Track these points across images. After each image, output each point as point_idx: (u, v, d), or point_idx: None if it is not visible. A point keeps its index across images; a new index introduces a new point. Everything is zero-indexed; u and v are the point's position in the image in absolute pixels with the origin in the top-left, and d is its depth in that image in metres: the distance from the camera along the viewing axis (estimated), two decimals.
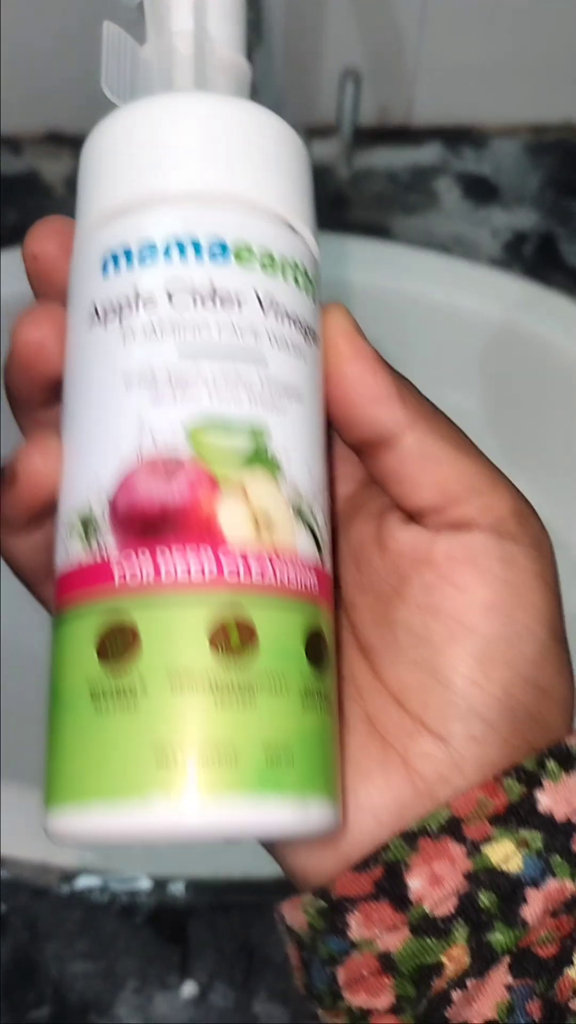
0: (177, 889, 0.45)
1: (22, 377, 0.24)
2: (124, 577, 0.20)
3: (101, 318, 0.22)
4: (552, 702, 0.23)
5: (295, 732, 0.20)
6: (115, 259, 0.22)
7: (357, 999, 0.22)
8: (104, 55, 0.25)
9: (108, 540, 0.21)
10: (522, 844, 0.22)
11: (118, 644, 0.20)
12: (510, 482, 0.24)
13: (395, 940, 0.22)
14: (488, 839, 0.22)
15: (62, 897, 0.45)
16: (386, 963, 0.22)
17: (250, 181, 0.23)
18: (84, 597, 0.21)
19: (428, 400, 0.24)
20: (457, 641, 0.23)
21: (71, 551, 0.21)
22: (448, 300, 0.62)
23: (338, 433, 0.24)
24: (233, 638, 0.20)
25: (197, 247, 0.22)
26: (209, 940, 0.44)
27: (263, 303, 0.22)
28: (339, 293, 0.60)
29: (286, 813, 0.20)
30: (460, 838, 0.22)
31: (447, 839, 0.22)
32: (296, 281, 0.23)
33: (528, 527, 0.23)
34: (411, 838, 0.22)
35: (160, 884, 0.45)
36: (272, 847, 0.24)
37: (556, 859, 0.22)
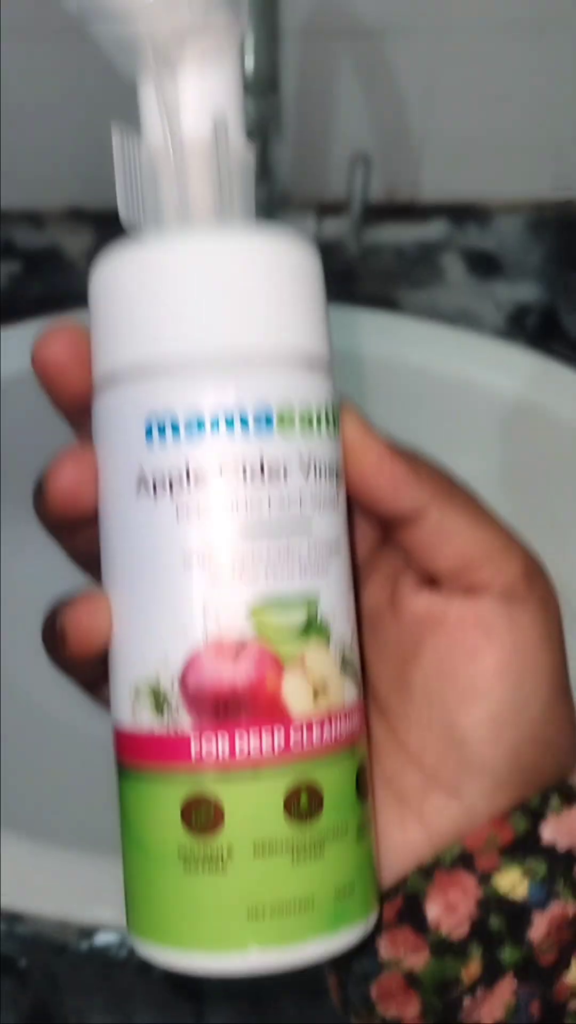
0: None
1: (57, 517, 0.24)
2: (202, 754, 0.22)
3: (150, 489, 0.22)
4: (556, 752, 0.25)
5: (355, 866, 0.23)
6: (161, 428, 0.22)
7: (389, 1011, 0.25)
8: (118, 176, 0.24)
9: (182, 716, 0.22)
10: (528, 873, 0.24)
11: (203, 815, 0.22)
12: (521, 544, 0.26)
13: (418, 960, 0.25)
14: (497, 869, 0.24)
15: (81, 953, 0.46)
16: (411, 980, 0.25)
17: (286, 332, 0.23)
18: (163, 766, 0.23)
19: (443, 472, 0.26)
20: (470, 705, 0.25)
21: (139, 717, 0.23)
22: (454, 371, 0.64)
23: (360, 512, 0.26)
24: (303, 803, 0.22)
25: (244, 420, 0.22)
26: (223, 996, 0.45)
27: (304, 468, 0.23)
28: (348, 364, 0.62)
29: (353, 934, 0.23)
30: (472, 869, 0.25)
31: (460, 870, 0.25)
32: (327, 427, 0.23)
33: (536, 587, 0.25)
34: (427, 871, 0.25)
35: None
36: None
37: (559, 885, 0.24)
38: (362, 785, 0.24)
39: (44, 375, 0.24)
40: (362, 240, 0.66)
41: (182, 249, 0.23)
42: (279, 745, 0.22)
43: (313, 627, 0.23)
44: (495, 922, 0.24)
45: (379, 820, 0.26)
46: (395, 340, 0.64)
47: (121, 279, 0.23)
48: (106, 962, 0.46)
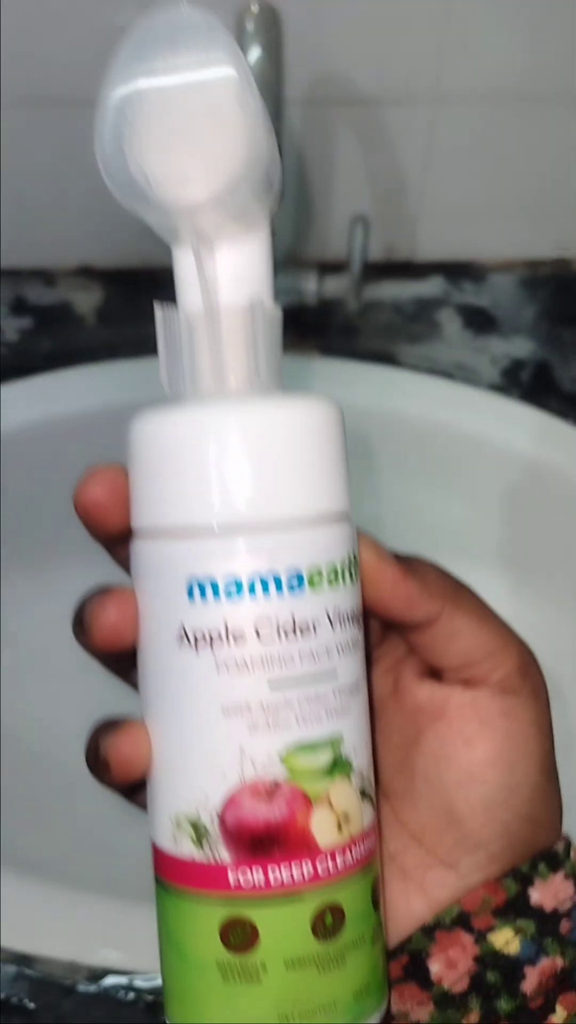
0: None
1: (100, 651, 0.26)
2: (239, 883, 0.24)
3: (191, 643, 0.24)
4: (543, 826, 0.28)
5: (371, 967, 0.26)
6: (202, 588, 0.24)
7: None
8: (159, 343, 0.25)
9: (220, 849, 0.24)
10: (519, 931, 0.26)
11: (239, 935, 0.24)
12: (517, 639, 0.28)
13: (423, 1012, 0.26)
14: (492, 928, 0.26)
15: (89, 995, 0.47)
16: None
17: (314, 496, 0.25)
18: (203, 890, 0.25)
19: (449, 578, 0.28)
20: (466, 790, 0.27)
21: (180, 844, 0.25)
22: (451, 423, 0.65)
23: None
24: (328, 921, 0.25)
25: (279, 583, 0.24)
26: None
27: (332, 620, 0.25)
28: (350, 416, 0.64)
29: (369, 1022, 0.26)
30: (469, 928, 0.27)
31: (459, 930, 0.27)
32: (351, 576, 0.25)
33: (529, 680, 0.27)
34: (429, 931, 0.27)
35: None
36: None
37: (548, 941, 0.26)
38: (376, 895, 0.26)
39: (85, 514, 0.26)
40: (362, 297, 0.68)
41: (219, 417, 0.24)
42: (308, 874, 0.25)
43: (338, 765, 0.25)
44: (491, 976, 0.26)
45: (386, 893, 0.28)
46: (394, 393, 0.66)
47: (162, 440, 0.25)
48: (115, 1003, 0.47)
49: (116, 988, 0.47)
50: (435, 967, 0.27)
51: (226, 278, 0.25)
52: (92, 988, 0.47)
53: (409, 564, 0.27)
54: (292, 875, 0.24)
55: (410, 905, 0.28)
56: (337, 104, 0.64)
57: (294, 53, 0.59)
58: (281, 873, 0.24)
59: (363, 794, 0.25)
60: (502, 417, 0.65)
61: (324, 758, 0.25)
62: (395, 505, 0.66)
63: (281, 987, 0.24)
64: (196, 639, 0.24)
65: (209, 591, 0.24)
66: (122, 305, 0.70)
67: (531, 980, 0.26)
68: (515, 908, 0.27)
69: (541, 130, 0.67)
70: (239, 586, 0.24)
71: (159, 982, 0.47)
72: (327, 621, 0.24)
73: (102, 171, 0.25)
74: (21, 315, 0.70)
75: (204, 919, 0.25)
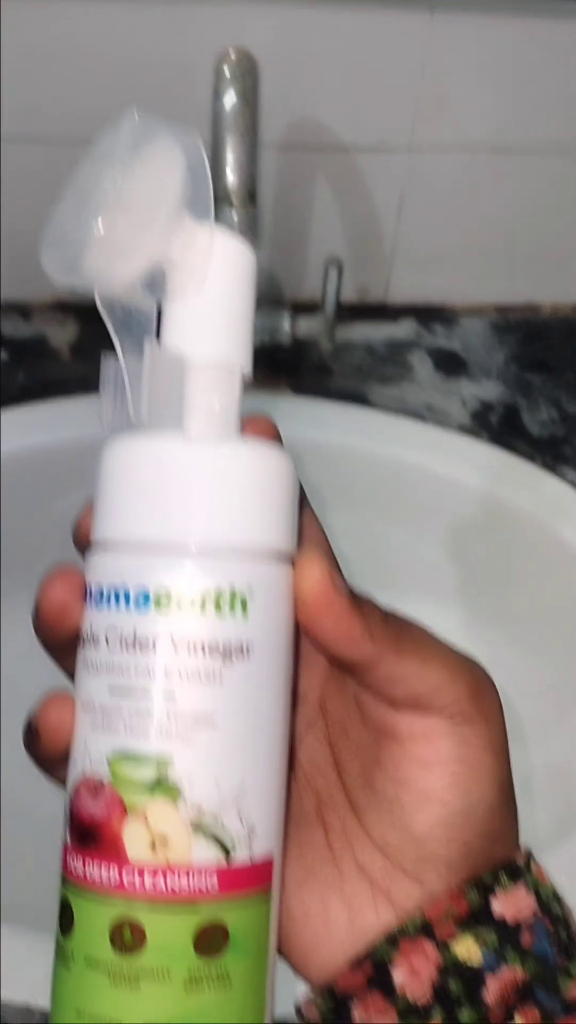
0: None
1: (48, 633, 0.27)
2: (68, 866, 0.26)
3: (81, 640, 0.27)
4: (501, 841, 0.28)
5: (177, 1014, 0.25)
6: (89, 594, 0.27)
7: None
8: (128, 381, 0.27)
9: (67, 830, 0.26)
10: (480, 941, 0.27)
11: (65, 916, 0.26)
12: (468, 664, 0.28)
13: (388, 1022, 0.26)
14: (454, 937, 0.27)
15: None
16: None
17: (193, 522, 0.26)
18: (61, 868, 0.27)
19: (393, 617, 0.28)
20: (424, 812, 0.27)
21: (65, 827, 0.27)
22: (421, 463, 0.66)
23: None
24: (126, 936, 0.25)
25: (127, 597, 0.26)
26: None
27: (173, 643, 0.25)
28: (321, 455, 0.65)
29: None
30: (432, 937, 0.27)
31: (422, 938, 0.27)
32: (217, 608, 0.26)
33: (482, 704, 0.28)
34: (393, 939, 0.27)
35: None
36: (288, 956, 0.29)
37: (509, 951, 0.27)
38: (206, 942, 0.25)
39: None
40: (335, 338, 0.69)
41: (126, 446, 0.27)
42: (113, 880, 0.25)
43: (161, 786, 0.25)
44: (454, 986, 0.26)
45: (355, 902, 0.28)
46: (365, 433, 0.67)
47: (112, 467, 0.27)
48: None
49: None
50: (399, 976, 0.27)
51: (173, 329, 0.27)
52: None
53: (358, 602, 0.27)
54: (100, 875, 0.25)
55: (379, 915, 0.28)
56: (313, 149, 0.66)
57: (271, 99, 0.60)
58: (92, 870, 0.25)
59: (199, 829, 0.25)
60: (471, 458, 0.66)
61: (146, 773, 0.25)
62: (363, 543, 0.66)
63: (80, 981, 0.25)
64: (82, 638, 0.27)
65: (90, 598, 0.27)
66: (97, 340, 0.70)
67: (492, 990, 0.26)
68: (477, 918, 0.27)
69: (513, 180, 0.69)
70: (102, 595, 0.26)
71: None
72: (169, 643, 0.25)
73: (46, 266, 0.27)
74: None
75: (59, 894, 0.27)
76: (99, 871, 0.25)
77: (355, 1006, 0.27)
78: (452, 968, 0.27)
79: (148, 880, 0.25)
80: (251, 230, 0.59)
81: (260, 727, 0.26)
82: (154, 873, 0.25)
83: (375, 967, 0.27)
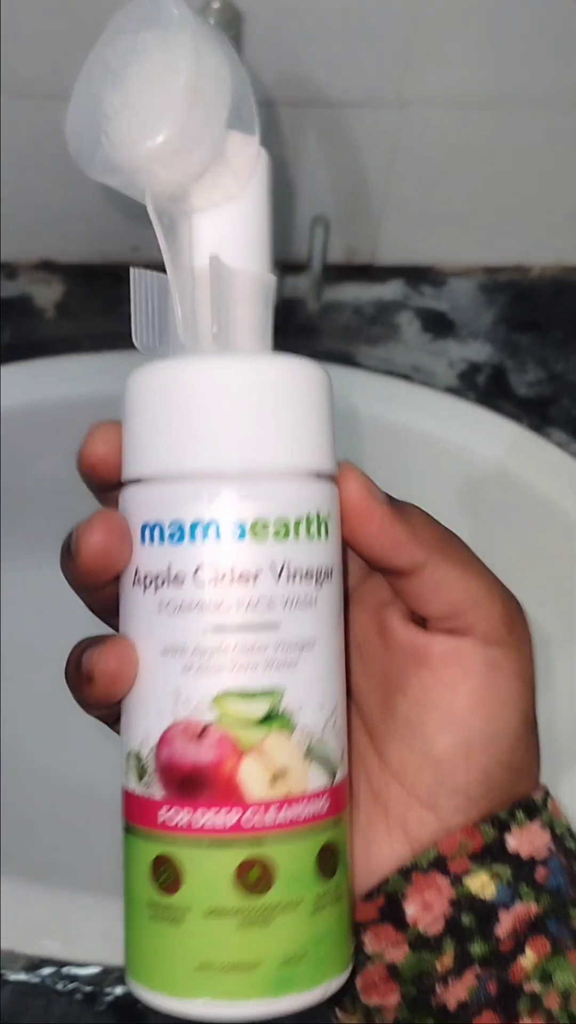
0: None
1: (89, 578, 0.26)
2: (167, 821, 0.25)
3: (140, 582, 0.25)
4: (522, 774, 0.28)
5: (308, 938, 0.25)
6: (151, 531, 0.25)
7: (372, 1000, 0.27)
8: (133, 306, 0.26)
9: (155, 785, 0.25)
10: (495, 876, 0.27)
11: (166, 874, 0.25)
12: (505, 589, 0.28)
13: (398, 954, 0.27)
14: (468, 872, 0.27)
15: (27, 984, 0.47)
16: (393, 971, 0.27)
17: (268, 448, 0.25)
18: (140, 826, 0.25)
19: (437, 526, 0.28)
20: (446, 733, 0.27)
21: (130, 780, 0.26)
22: (407, 423, 0.66)
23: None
24: (253, 876, 0.24)
25: (219, 530, 0.25)
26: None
27: (275, 572, 0.25)
28: None
29: (300, 1000, 0.25)
30: (445, 872, 0.27)
31: (435, 873, 0.27)
32: (309, 533, 0.25)
33: (515, 631, 0.28)
34: (406, 873, 0.27)
35: (121, 973, 0.47)
36: None
37: (523, 887, 0.27)
38: (325, 863, 0.26)
39: (92, 475, 0.27)
40: (322, 298, 0.69)
41: (171, 373, 0.26)
42: (233, 822, 0.24)
43: (275, 719, 0.25)
44: (466, 919, 0.27)
45: (369, 831, 0.28)
46: (352, 393, 0.66)
47: (130, 395, 0.26)
48: (52, 993, 0.46)
49: (53, 978, 0.47)
50: (411, 909, 0.27)
51: (209, 240, 0.26)
52: (30, 977, 0.47)
53: (400, 508, 0.27)
54: (216, 821, 0.24)
55: (392, 845, 0.28)
56: (300, 105, 0.65)
57: (257, 53, 0.59)
58: (206, 817, 0.25)
59: (310, 754, 0.25)
60: (457, 419, 0.66)
61: (259, 708, 0.25)
62: None
63: (200, 935, 0.24)
64: (143, 579, 0.25)
65: (156, 535, 0.25)
66: (82, 299, 0.70)
67: (505, 924, 0.26)
68: (492, 853, 0.27)
69: (505, 137, 0.68)
70: (181, 531, 0.25)
71: (97, 972, 0.47)
72: (270, 573, 0.25)
73: (72, 149, 0.26)
74: None
75: (141, 855, 0.25)
76: (215, 817, 0.24)
77: (366, 936, 0.27)
78: (465, 902, 0.27)
79: (272, 815, 0.25)
80: None
81: (342, 645, 0.27)
82: (278, 807, 0.25)
83: (387, 900, 0.27)
